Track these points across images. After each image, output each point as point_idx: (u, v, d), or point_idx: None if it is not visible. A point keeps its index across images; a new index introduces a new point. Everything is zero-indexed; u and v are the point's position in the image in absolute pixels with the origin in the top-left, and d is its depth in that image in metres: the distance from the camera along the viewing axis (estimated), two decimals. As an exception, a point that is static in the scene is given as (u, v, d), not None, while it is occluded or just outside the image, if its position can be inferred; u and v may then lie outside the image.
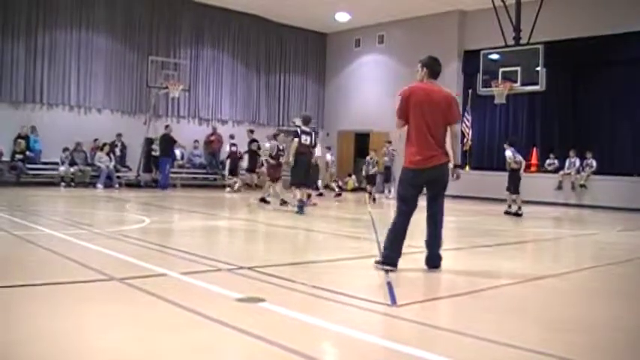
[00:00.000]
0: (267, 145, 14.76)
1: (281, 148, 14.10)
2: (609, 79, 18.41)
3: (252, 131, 18.37)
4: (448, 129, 5.78)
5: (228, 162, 19.83)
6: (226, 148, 18.61)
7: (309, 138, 11.91)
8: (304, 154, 11.87)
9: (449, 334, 3.69)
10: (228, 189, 19.13)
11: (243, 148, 19.39)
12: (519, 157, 13.71)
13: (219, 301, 4.31)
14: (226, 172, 19.93)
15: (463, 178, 15.64)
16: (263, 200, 13.95)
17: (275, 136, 14.70)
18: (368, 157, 17.91)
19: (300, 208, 11.68)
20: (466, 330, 3.73)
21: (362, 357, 3.24)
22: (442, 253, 5.91)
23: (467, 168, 19.95)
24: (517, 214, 13.38)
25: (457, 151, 5.88)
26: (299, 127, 12.29)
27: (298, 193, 11.98)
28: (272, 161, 14.03)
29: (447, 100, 5.72)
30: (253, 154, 17.99)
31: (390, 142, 18.98)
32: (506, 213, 13.66)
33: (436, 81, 5.85)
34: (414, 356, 3.19)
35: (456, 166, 5.92)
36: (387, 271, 5.54)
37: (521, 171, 13.80)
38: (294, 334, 3.54)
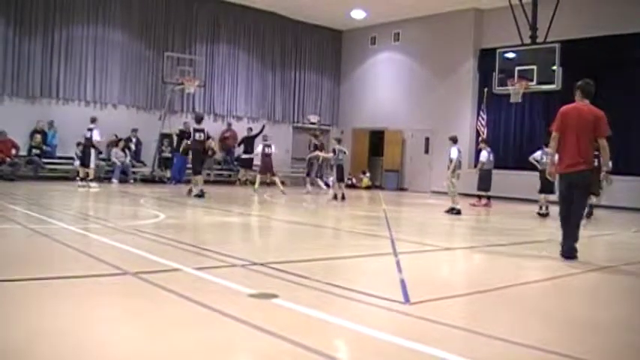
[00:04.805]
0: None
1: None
2: (626, 79, 18.16)
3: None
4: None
5: (79, 150, 17.32)
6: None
7: (202, 134, 14.11)
8: (198, 149, 14.14)
9: (461, 333, 3.67)
10: (82, 183, 15.72)
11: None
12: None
13: (232, 296, 4.31)
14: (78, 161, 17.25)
15: (477, 177, 15.73)
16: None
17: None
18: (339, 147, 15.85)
19: (202, 193, 13.89)
20: (478, 329, 3.72)
21: (373, 354, 3.23)
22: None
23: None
24: (544, 214, 13.05)
25: (606, 160, 6.75)
26: (193, 127, 14.30)
27: (199, 180, 14.33)
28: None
29: (596, 117, 6.70)
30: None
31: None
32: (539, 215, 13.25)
33: (588, 100, 6.91)
34: (426, 353, 3.18)
35: (607, 172, 6.87)
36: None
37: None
38: (306, 331, 3.54)
